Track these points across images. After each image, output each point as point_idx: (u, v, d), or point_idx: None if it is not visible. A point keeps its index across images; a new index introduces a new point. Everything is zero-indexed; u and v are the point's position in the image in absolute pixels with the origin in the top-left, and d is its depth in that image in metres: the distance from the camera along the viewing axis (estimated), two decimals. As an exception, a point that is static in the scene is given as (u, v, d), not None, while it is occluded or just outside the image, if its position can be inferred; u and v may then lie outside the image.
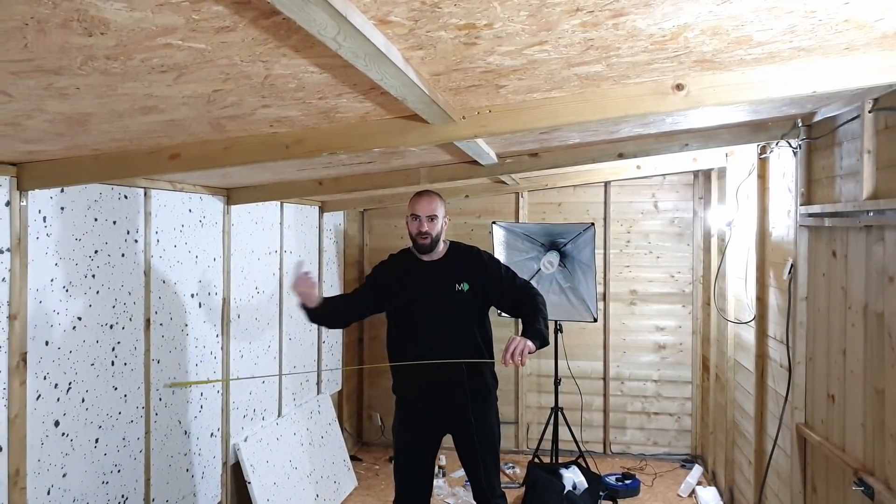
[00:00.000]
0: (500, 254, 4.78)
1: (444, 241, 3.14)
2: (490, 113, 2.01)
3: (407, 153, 2.92)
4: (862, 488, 2.33)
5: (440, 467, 4.83)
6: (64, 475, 2.45)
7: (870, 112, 2.38)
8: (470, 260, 3.12)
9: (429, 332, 3.03)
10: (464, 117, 2.02)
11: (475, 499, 3.16)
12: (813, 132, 2.94)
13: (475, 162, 3.26)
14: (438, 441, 3.19)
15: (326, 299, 3.04)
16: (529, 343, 2.66)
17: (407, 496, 3.13)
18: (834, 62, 1.83)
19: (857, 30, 1.58)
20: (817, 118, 2.85)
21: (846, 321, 2.58)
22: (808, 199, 2.96)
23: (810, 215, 2.87)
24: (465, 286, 3.05)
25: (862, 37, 1.64)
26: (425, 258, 3.10)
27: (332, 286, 5.06)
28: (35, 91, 1.41)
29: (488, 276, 3.08)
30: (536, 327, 2.82)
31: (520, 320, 3.06)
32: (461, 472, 4.90)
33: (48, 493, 2.38)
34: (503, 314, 3.30)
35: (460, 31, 1.32)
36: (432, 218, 3.01)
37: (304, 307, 2.90)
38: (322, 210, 4.86)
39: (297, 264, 3.07)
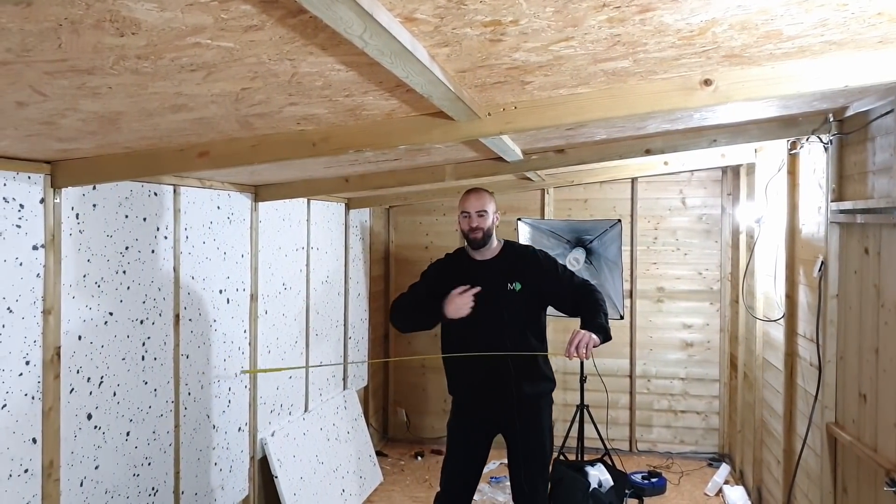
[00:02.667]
0: (525, 251, 4.76)
1: (497, 239, 3.13)
2: (515, 109, 2.00)
3: (432, 150, 2.93)
4: (894, 489, 2.28)
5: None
6: (96, 467, 2.51)
7: (904, 106, 2.33)
8: (524, 259, 3.10)
9: (480, 332, 3.00)
10: (489, 114, 2.02)
11: (514, 501, 3.13)
12: (844, 127, 2.89)
13: (500, 159, 3.26)
14: (490, 440, 3.16)
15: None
16: (594, 336, 2.69)
17: (451, 492, 3.12)
18: (867, 55, 1.79)
19: (890, 22, 1.55)
20: (849, 113, 2.80)
21: (879, 319, 2.53)
22: (839, 195, 2.91)
23: (842, 212, 2.82)
24: (518, 286, 3.02)
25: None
26: (478, 257, 3.09)
27: (357, 282, 5.09)
28: (69, 91, 1.44)
29: (544, 275, 3.05)
30: (598, 322, 2.81)
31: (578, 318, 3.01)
32: (486, 468, 4.89)
33: (81, 484, 2.43)
34: (560, 314, 3.23)
35: (486, 28, 1.32)
36: (482, 213, 3.01)
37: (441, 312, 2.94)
38: (348, 207, 4.89)
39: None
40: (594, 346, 2.68)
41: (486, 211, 3.02)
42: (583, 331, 2.71)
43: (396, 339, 5.75)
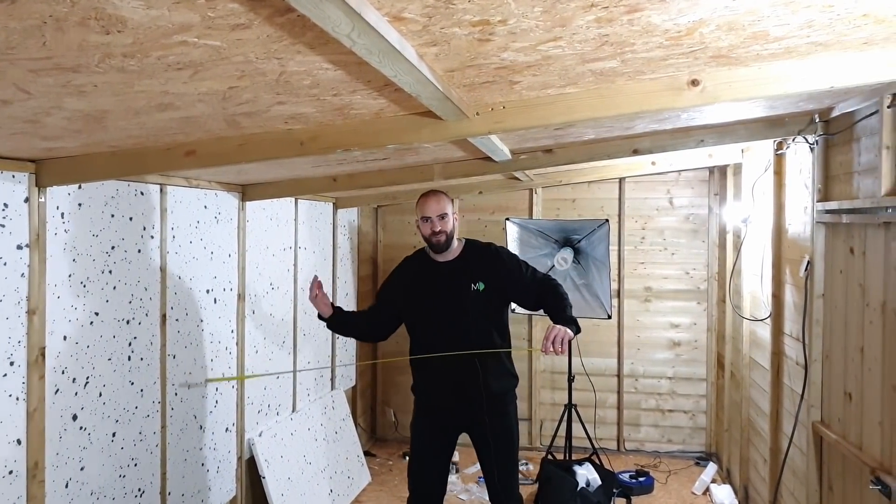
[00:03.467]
0: (513, 250, 4.77)
1: (458, 238, 3.13)
2: (504, 109, 2.00)
3: (421, 150, 2.92)
4: (879, 487, 2.31)
5: (453, 463, 4.84)
6: (82, 468, 2.48)
7: (889, 107, 2.35)
8: (486, 258, 3.09)
9: (445, 334, 3.01)
10: (478, 113, 2.02)
11: (490, 500, 3.15)
12: (830, 128, 2.91)
13: (489, 158, 3.26)
14: (454, 440, 3.18)
15: (342, 311, 3.16)
16: (569, 331, 2.70)
17: (421, 494, 3.13)
18: (852, 57, 1.81)
19: (875, 24, 1.56)
20: (835, 114, 2.82)
21: (864, 318, 2.55)
22: (825, 195, 2.93)
23: (827, 212, 2.84)
24: (481, 285, 3.02)
25: (881, 31, 1.62)
26: (440, 258, 3.08)
27: (346, 282, 5.08)
28: (53, 89, 1.43)
29: (507, 273, 3.05)
30: (568, 315, 2.83)
31: (543, 314, 3.03)
32: (474, 469, 4.90)
33: (66, 486, 2.41)
34: (519, 310, 3.24)
35: (474, 28, 1.32)
36: (443, 216, 2.99)
37: (320, 317, 3.11)
38: (336, 206, 4.88)
39: (313, 279, 3.12)
40: (569, 340, 2.69)
41: (446, 213, 3.00)
42: (558, 326, 2.70)
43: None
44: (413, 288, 3.10)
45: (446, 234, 3.00)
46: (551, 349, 2.65)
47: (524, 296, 3.09)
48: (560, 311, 2.87)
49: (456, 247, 3.09)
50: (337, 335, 4.71)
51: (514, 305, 3.33)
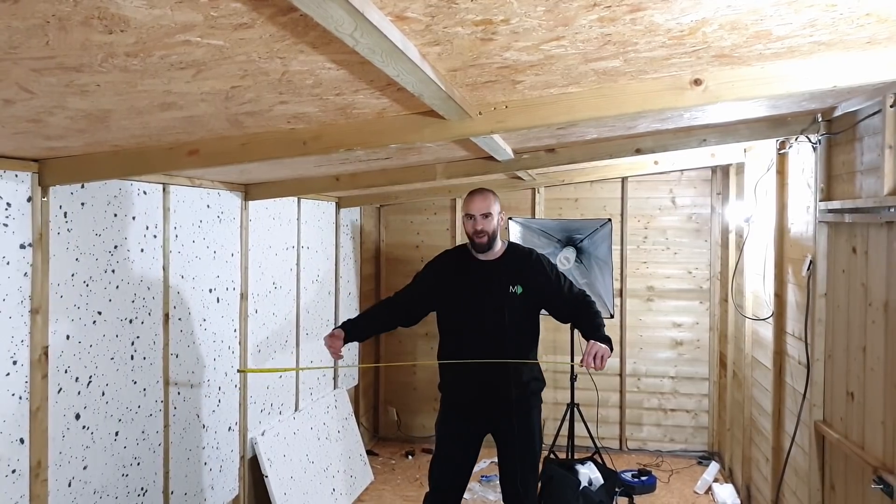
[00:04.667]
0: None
1: (502, 240, 3.11)
2: (507, 108, 2.00)
3: (423, 149, 2.92)
4: (881, 486, 2.30)
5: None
6: (85, 467, 2.49)
7: (891, 107, 2.35)
8: (527, 262, 3.08)
9: (478, 333, 3.00)
10: (480, 113, 2.02)
11: (505, 501, 3.13)
12: (833, 127, 2.91)
13: (491, 158, 3.26)
14: (480, 440, 3.16)
15: (351, 326, 3.06)
16: (608, 349, 2.77)
17: (441, 492, 3.12)
18: (855, 56, 1.81)
19: (878, 23, 1.56)
20: (837, 113, 2.82)
21: (866, 318, 2.55)
22: (827, 194, 2.92)
23: (830, 211, 2.84)
24: (519, 289, 3.01)
25: (884, 30, 1.62)
26: (481, 257, 3.06)
27: (348, 281, 5.08)
28: (56, 88, 1.43)
29: (545, 280, 3.05)
30: (604, 334, 2.87)
31: (575, 328, 3.09)
32: (477, 467, 4.90)
33: (69, 484, 2.42)
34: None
35: (477, 27, 1.32)
36: (486, 215, 2.97)
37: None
38: (339, 206, 4.88)
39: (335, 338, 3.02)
40: (608, 358, 2.76)
41: (490, 213, 2.98)
42: (600, 343, 2.78)
43: (388, 339, 5.74)
44: (451, 282, 3.08)
45: (488, 235, 2.98)
46: (592, 365, 2.72)
47: (559, 307, 3.09)
48: (596, 329, 2.90)
49: (498, 248, 3.08)
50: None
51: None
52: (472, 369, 2.97)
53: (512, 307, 3.00)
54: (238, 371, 3.21)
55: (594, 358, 2.72)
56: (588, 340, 2.83)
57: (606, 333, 2.88)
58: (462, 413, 3.13)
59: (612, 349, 2.81)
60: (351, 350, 5.15)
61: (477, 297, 3.03)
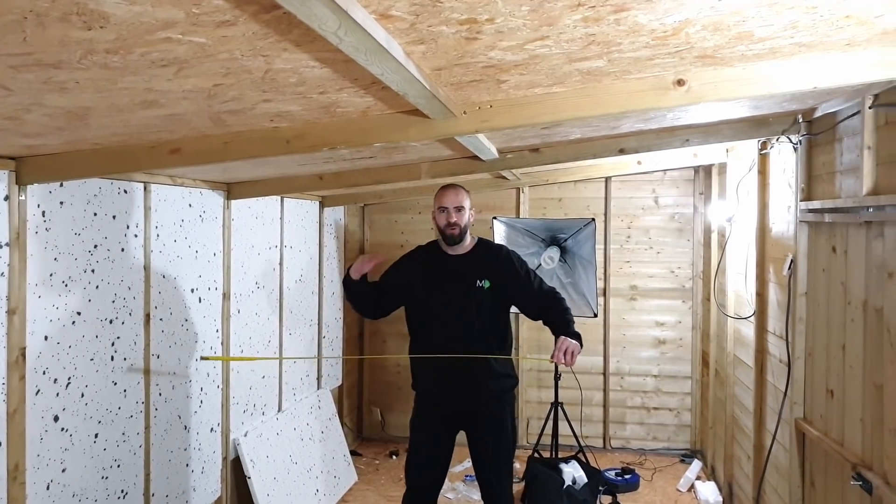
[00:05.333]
0: (500, 249, 4.77)
1: (471, 235, 3.16)
2: (491, 108, 2.00)
3: (408, 148, 2.92)
4: (860, 483, 2.33)
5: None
6: (63, 470, 2.45)
7: (870, 108, 2.37)
8: (495, 258, 3.13)
9: (446, 327, 3.04)
10: (465, 112, 2.01)
11: (483, 499, 3.15)
12: (813, 128, 2.94)
13: (476, 157, 3.26)
14: (454, 436, 3.18)
15: (367, 281, 3.11)
16: (578, 345, 2.80)
17: (418, 490, 3.13)
18: (835, 58, 1.83)
19: (858, 25, 1.58)
20: (818, 114, 2.85)
21: (846, 317, 2.58)
22: (808, 194, 2.96)
23: (810, 211, 2.87)
24: (486, 283, 3.04)
25: (863, 32, 1.64)
26: (450, 251, 3.11)
27: (332, 281, 5.06)
28: (34, 85, 1.41)
29: (514, 276, 3.08)
30: (573, 330, 2.90)
31: (545, 325, 3.10)
32: (461, 467, 4.91)
33: (47, 487, 2.38)
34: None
35: (461, 26, 1.31)
36: (459, 209, 3.04)
37: (348, 278, 3.05)
38: (322, 205, 4.86)
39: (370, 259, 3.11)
40: (578, 353, 2.78)
41: (463, 207, 3.05)
42: (569, 339, 2.79)
43: (371, 338, 5.73)
44: (420, 276, 3.12)
45: (460, 228, 3.04)
46: (563, 360, 2.74)
47: (527, 303, 3.12)
48: (565, 325, 2.93)
49: (468, 242, 3.14)
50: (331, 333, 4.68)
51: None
52: (443, 365, 2.99)
53: (478, 301, 3.03)
54: (201, 358, 3.15)
55: (564, 353, 2.75)
56: (557, 337, 2.85)
57: (576, 330, 2.90)
58: (434, 409, 3.15)
59: (581, 345, 2.82)
60: (334, 350, 5.13)
61: (444, 290, 3.06)
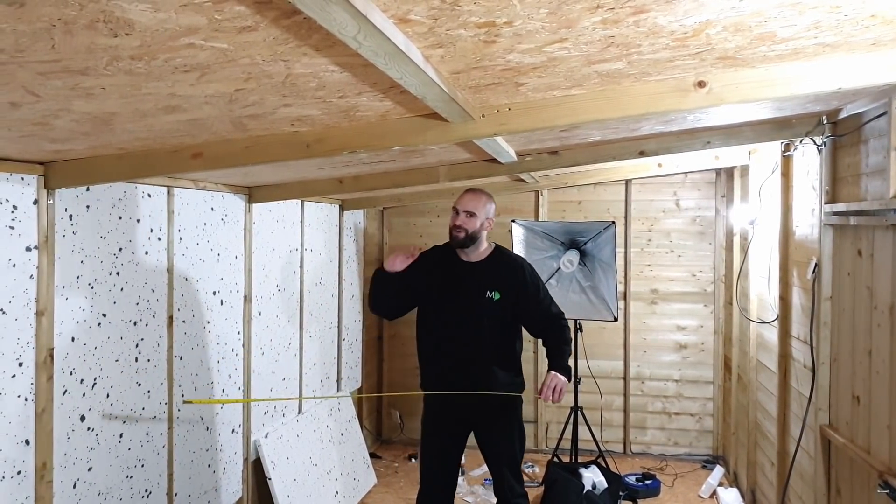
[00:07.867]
0: (519, 252, 4.76)
1: (488, 243, 3.14)
2: (510, 111, 2.01)
3: (426, 152, 2.93)
4: (887, 491, 2.29)
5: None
6: (89, 469, 2.49)
7: (897, 109, 2.34)
8: (509, 270, 3.10)
9: (454, 333, 3.05)
10: (483, 115, 2.02)
11: (496, 496, 3.18)
12: (838, 129, 2.90)
13: (494, 160, 3.26)
14: (464, 439, 3.20)
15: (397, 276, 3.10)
16: (567, 382, 2.92)
17: (431, 492, 3.15)
18: (860, 58, 1.80)
19: (884, 25, 1.56)
20: (842, 115, 2.81)
21: (872, 321, 2.54)
22: (832, 197, 2.92)
23: (835, 214, 2.83)
24: (496, 295, 3.03)
25: (889, 32, 1.62)
26: (464, 257, 3.10)
27: (351, 283, 5.08)
28: (62, 91, 1.44)
29: (524, 290, 3.07)
30: (566, 364, 2.99)
31: (543, 348, 3.18)
32: (480, 471, 4.90)
33: (74, 486, 2.42)
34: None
35: (480, 29, 1.32)
36: (470, 214, 3.01)
37: (381, 270, 3.05)
38: (342, 208, 4.88)
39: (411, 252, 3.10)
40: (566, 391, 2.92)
41: (474, 213, 3.02)
42: (559, 375, 2.92)
43: (390, 341, 5.74)
44: (433, 276, 3.11)
45: (465, 232, 3.01)
46: (550, 397, 2.90)
47: (531, 319, 3.13)
48: (560, 356, 3.01)
49: (483, 250, 3.11)
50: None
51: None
52: (447, 369, 3.04)
53: (486, 311, 3.03)
54: (184, 402, 3.05)
55: (553, 391, 2.89)
56: (548, 371, 2.95)
57: (569, 364, 3.02)
58: (443, 413, 3.17)
59: (570, 379, 2.95)
60: (353, 352, 5.15)
61: (454, 295, 3.07)
